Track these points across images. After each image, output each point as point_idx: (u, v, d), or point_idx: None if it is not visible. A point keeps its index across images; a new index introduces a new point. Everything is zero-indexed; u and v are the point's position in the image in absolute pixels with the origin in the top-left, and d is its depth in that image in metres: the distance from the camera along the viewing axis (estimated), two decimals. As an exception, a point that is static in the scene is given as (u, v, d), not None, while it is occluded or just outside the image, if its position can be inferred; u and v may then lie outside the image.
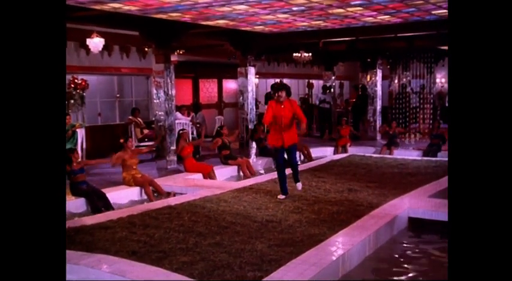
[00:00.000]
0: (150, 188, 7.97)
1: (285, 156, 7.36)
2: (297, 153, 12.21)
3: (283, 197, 7.07)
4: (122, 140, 8.29)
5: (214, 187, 8.00)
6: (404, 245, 5.90)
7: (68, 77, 11.04)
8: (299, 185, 7.33)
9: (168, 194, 7.92)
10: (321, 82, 18.32)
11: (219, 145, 10.24)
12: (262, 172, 10.55)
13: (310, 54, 15.24)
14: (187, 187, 8.19)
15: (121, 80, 13.98)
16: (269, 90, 17.52)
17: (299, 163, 11.67)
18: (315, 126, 17.72)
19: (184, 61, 14.91)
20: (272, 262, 4.48)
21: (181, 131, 10.01)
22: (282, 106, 6.96)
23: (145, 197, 8.00)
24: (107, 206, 7.22)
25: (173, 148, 10.51)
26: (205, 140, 12.93)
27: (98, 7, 7.76)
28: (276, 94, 7.01)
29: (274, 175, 9.02)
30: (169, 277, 4.18)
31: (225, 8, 8.07)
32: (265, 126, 11.00)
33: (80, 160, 7.88)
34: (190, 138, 12.00)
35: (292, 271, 4.28)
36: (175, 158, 10.53)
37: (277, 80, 19.01)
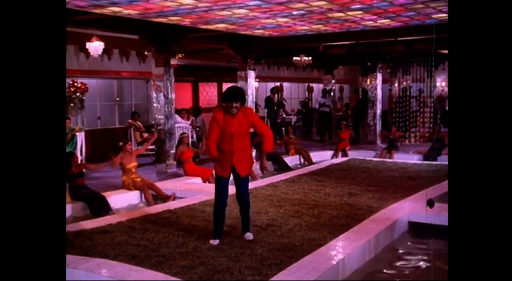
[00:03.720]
0: (150, 192, 7.95)
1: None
2: (297, 157, 12.33)
3: (216, 242, 5.16)
4: (120, 144, 8.29)
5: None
6: (405, 249, 5.89)
7: (68, 80, 11.04)
8: (249, 236, 5.32)
9: (168, 197, 7.89)
10: (321, 86, 18.34)
11: None
12: (261, 176, 10.52)
13: (310, 58, 15.25)
14: (186, 191, 8.17)
15: (121, 83, 13.98)
16: (269, 93, 17.59)
17: (298, 166, 11.70)
18: (314, 130, 17.72)
19: (184, 65, 14.91)
20: (272, 266, 4.47)
21: (181, 135, 10.00)
22: (233, 118, 5.12)
23: (145, 200, 7.98)
24: (107, 210, 7.20)
25: (173, 151, 10.50)
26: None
27: (97, 11, 7.76)
28: (229, 105, 5.09)
29: (274, 179, 9.03)
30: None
31: (225, 12, 8.07)
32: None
33: (79, 163, 7.87)
34: (190, 142, 12.01)
35: (292, 275, 4.27)
36: (174, 162, 10.52)
37: (277, 84, 19.07)
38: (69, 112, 10.88)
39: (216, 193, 5.32)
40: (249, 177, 5.51)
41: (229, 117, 5.10)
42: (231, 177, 5.37)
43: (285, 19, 8.90)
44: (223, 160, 5.18)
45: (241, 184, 5.32)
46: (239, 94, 5.15)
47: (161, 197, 7.93)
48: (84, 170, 7.86)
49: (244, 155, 5.26)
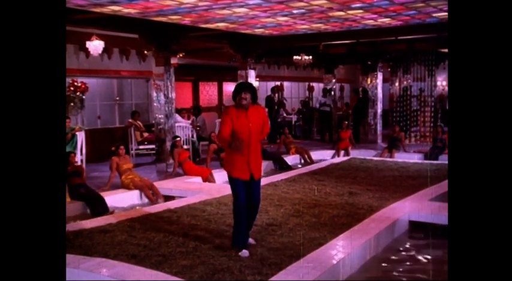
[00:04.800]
0: (150, 191, 7.96)
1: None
2: (297, 156, 12.33)
3: (246, 254, 4.75)
4: (113, 148, 8.28)
5: (214, 190, 7.98)
6: (405, 248, 5.88)
7: (68, 80, 11.02)
8: (251, 241, 5.08)
9: (158, 198, 7.90)
10: (321, 85, 18.34)
11: (215, 150, 10.24)
12: (262, 175, 10.51)
13: (310, 57, 15.24)
14: (187, 190, 8.17)
15: (121, 83, 13.97)
16: (269, 93, 17.57)
17: (299, 166, 11.69)
18: (315, 130, 17.72)
19: (184, 64, 14.90)
20: (272, 265, 4.46)
21: (174, 139, 9.98)
22: (247, 116, 4.83)
23: (145, 200, 7.98)
24: (106, 209, 7.20)
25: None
26: (203, 143, 12.94)
27: (97, 10, 7.75)
28: (238, 97, 4.81)
29: (274, 178, 9.03)
30: (169, 280, 4.16)
31: (225, 11, 8.06)
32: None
33: (79, 163, 7.87)
34: (191, 141, 12.01)
35: (292, 275, 4.26)
36: (177, 166, 10.51)
37: (278, 83, 19.06)
38: (69, 112, 10.88)
39: (236, 200, 4.90)
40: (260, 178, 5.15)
41: (242, 115, 4.81)
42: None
43: (285, 18, 8.89)
44: (240, 161, 4.86)
45: (255, 186, 5.02)
46: (249, 87, 4.92)
47: (158, 197, 7.95)
48: (82, 169, 7.85)
49: (258, 156, 5.02)
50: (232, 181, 4.96)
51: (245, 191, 4.90)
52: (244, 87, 4.88)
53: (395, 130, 13.04)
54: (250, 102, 4.85)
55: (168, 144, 10.50)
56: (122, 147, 8.31)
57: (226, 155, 5.11)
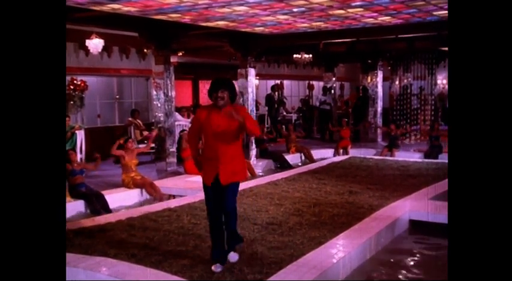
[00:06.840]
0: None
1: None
2: (298, 155, 12.31)
3: (218, 268, 4.32)
4: (121, 142, 8.29)
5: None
6: (406, 247, 5.87)
7: (67, 78, 11.01)
8: (234, 256, 4.48)
9: (169, 197, 7.90)
10: (321, 83, 18.32)
11: None
12: (262, 174, 10.52)
13: (310, 55, 15.21)
14: (187, 189, 8.16)
15: (120, 81, 13.95)
16: (269, 91, 17.55)
17: (299, 164, 11.68)
18: (315, 128, 17.70)
19: (184, 62, 14.88)
20: (272, 264, 4.46)
21: (181, 133, 10.04)
22: (222, 117, 4.25)
23: (144, 199, 7.98)
24: (106, 208, 7.19)
25: (172, 149, 10.48)
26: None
27: (97, 8, 7.73)
28: (215, 95, 4.25)
29: (274, 177, 9.02)
30: (169, 279, 4.16)
31: (225, 9, 8.04)
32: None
33: (78, 161, 7.88)
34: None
35: (292, 274, 4.26)
36: (174, 160, 10.50)
37: (278, 82, 19.04)
38: (68, 110, 10.86)
39: (207, 206, 4.47)
40: (238, 184, 4.48)
41: (215, 114, 4.26)
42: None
43: (285, 16, 8.87)
44: (209, 163, 4.38)
45: (228, 191, 4.35)
46: (226, 83, 4.29)
47: (159, 197, 7.94)
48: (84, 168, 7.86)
49: (233, 158, 4.37)
50: (203, 186, 4.49)
51: (214, 198, 4.38)
52: (221, 84, 4.26)
53: (391, 128, 12.99)
54: (229, 102, 4.29)
55: (168, 142, 10.49)
56: (130, 140, 8.36)
57: (201, 157, 4.56)
